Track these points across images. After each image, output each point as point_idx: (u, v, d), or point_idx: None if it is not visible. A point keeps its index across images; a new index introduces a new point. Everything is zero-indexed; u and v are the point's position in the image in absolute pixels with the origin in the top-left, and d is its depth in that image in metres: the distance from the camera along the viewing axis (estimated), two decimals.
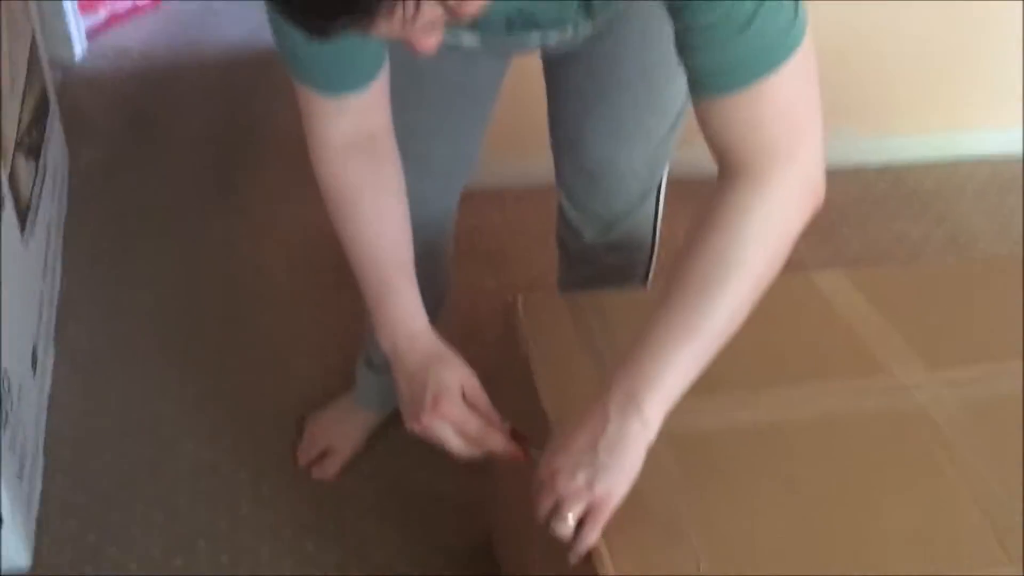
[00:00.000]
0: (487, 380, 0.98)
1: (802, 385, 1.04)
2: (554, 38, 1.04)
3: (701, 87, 0.81)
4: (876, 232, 2.14)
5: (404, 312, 0.98)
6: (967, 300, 1.20)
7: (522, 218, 2.11)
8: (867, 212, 2.20)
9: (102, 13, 2.69)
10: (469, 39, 1.04)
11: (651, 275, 1.47)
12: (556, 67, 1.24)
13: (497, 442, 0.94)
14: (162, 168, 2.24)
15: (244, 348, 1.77)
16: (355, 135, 0.96)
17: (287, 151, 2.29)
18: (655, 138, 1.27)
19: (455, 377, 0.94)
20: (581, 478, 0.83)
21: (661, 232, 1.43)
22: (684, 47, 0.81)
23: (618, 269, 1.43)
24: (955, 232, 2.16)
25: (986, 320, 1.16)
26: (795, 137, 0.81)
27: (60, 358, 1.73)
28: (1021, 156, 2.37)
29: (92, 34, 2.66)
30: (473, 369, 0.97)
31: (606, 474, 0.83)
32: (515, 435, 0.95)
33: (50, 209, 1.86)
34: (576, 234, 1.41)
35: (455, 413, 0.92)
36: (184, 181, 2.20)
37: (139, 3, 2.77)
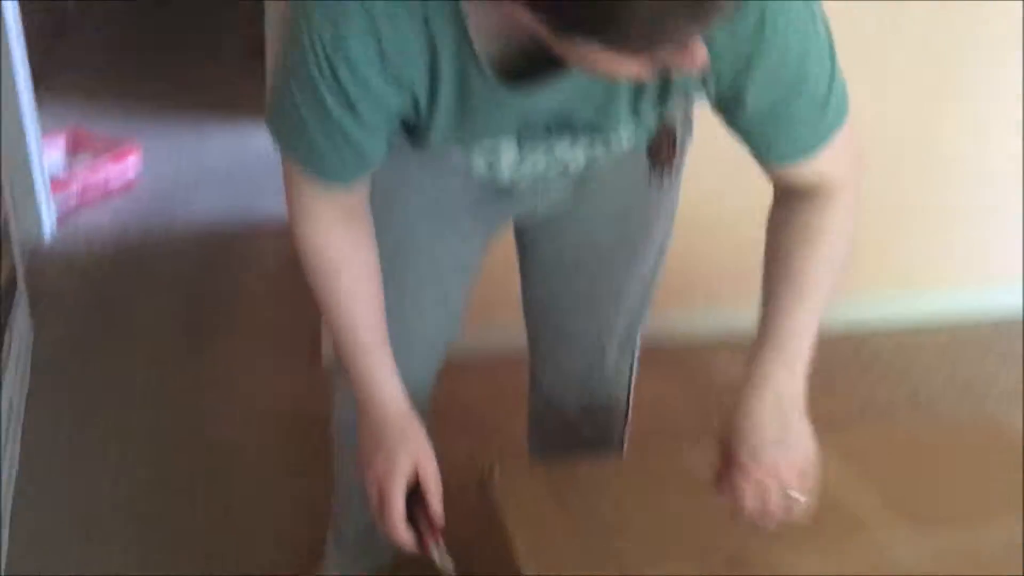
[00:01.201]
0: (464, 547, 0.97)
1: (783, 547, 1.03)
2: (581, 153, 1.04)
3: (779, 159, 0.98)
4: (842, 396, 2.16)
5: (377, 376, 1.04)
6: (940, 461, 1.21)
7: (498, 386, 2.10)
8: (831, 377, 2.23)
9: (74, 194, 2.74)
10: (506, 147, 1.02)
11: (626, 442, 1.46)
12: (534, 237, 1.25)
13: (402, 541, 1.00)
14: (130, 346, 2.23)
15: (211, 520, 1.72)
16: (338, 210, 1.01)
17: (257, 326, 2.30)
18: (634, 303, 1.29)
19: (409, 459, 1.00)
20: (796, 458, 1.00)
21: (633, 399, 1.43)
22: (757, 130, 0.95)
23: (593, 440, 1.42)
24: (918, 396, 2.19)
25: (961, 481, 1.16)
26: (854, 165, 1.01)
27: (16, 535, 1.66)
28: (976, 319, 2.44)
29: (63, 215, 2.70)
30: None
31: (800, 441, 1.02)
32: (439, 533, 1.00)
33: (12, 386, 1.83)
34: (550, 405, 1.40)
35: (388, 494, 1.00)
36: (152, 358, 2.19)
37: (112, 184, 2.83)
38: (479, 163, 1.03)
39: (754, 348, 1.02)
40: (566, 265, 1.24)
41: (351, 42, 0.85)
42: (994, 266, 2.44)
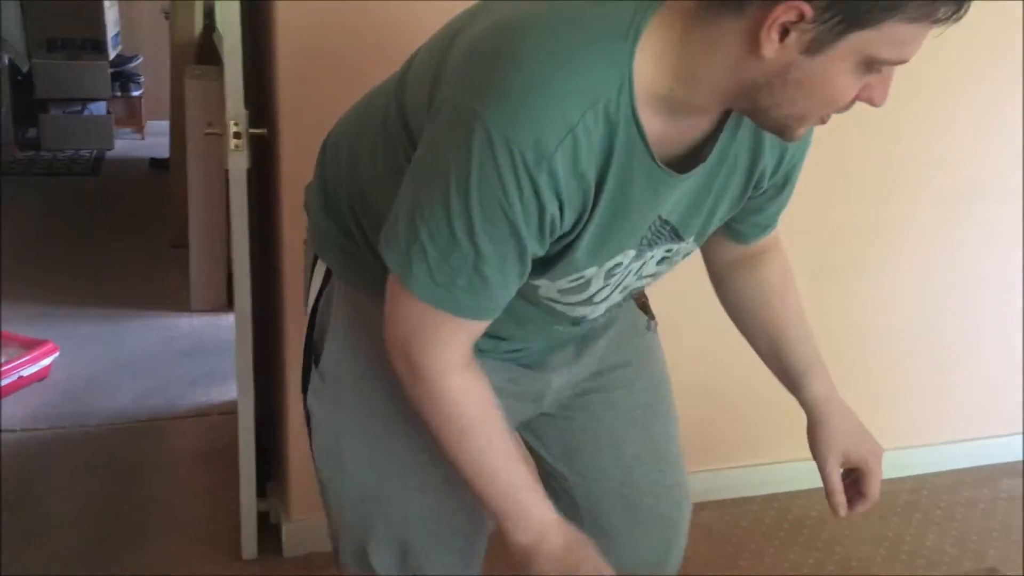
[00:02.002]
0: None
1: None
2: (654, 266, 1.06)
3: (770, 229, 1.17)
4: (772, 562, 2.16)
5: (542, 508, 1.03)
6: None
7: None
8: (760, 542, 2.23)
9: None
10: (623, 256, 1.01)
11: None
12: (566, 417, 1.23)
13: None
14: (35, 548, 2.12)
15: None
16: (466, 355, 0.98)
17: (173, 519, 2.22)
18: (678, 446, 1.31)
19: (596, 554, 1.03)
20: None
21: None
22: (774, 210, 1.12)
23: None
24: (846, 558, 2.19)
25: None
26: None
27: None
28: (894, 478, 2.47)
29: None
30: None
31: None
32: None
33: None
34: None
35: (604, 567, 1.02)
36: (59, 560, 2.08)
37: (24, 375, 2.77)
38: (597, 281, 1.00)
39: (799, 380, 1.17)
40: (617, 428, 1.24)
41: (558, 153, 0.82)
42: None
